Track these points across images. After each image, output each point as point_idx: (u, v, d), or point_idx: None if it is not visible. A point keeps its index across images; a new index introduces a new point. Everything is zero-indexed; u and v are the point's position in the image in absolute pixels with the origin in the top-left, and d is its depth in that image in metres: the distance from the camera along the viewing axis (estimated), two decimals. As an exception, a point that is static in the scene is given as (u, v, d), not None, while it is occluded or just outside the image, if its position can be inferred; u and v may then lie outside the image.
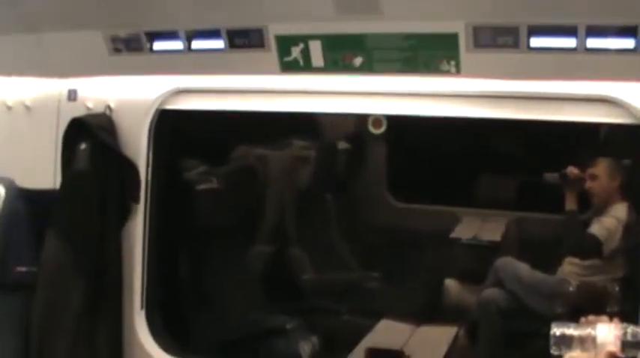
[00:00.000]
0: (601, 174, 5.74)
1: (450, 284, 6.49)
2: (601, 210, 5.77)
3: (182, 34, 3.67)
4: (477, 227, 6.93)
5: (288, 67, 3.56)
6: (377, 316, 5.64)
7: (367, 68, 3.46)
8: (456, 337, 5.71)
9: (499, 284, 5.87)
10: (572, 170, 5.86)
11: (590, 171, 5.78)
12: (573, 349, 2.18)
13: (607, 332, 2.17)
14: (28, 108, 4.33)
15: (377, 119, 5.97)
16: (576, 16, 3.06)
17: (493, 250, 6.44)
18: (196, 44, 3.70)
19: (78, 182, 4.09)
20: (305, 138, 6.58)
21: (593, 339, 2.17)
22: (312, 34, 3.46)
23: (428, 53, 3.35)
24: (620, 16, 3.01)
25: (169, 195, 4.30)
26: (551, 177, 5.92)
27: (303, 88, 3.74)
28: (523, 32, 3.16)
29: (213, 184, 5.02)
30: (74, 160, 4.09)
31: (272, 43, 3.52)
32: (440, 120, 3.73)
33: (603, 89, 3.32)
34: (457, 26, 3.22)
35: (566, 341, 2.19)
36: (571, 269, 5.82)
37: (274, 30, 3.48)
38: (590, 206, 5.92)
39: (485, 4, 3.14)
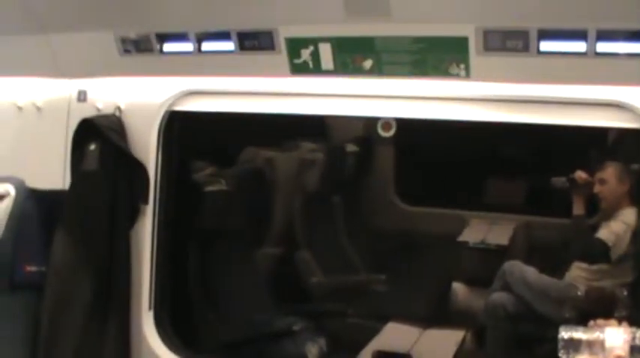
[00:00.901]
0: (610, 178, 5.72)
1: (458, 287, 6.49)
2: (609, 215, 5.76)
3: (192, 35, 3.68)
4: (484, 230, 6.91)
5: (298, 69, 3.57)
6: (384, 319, 5.63)
7: (377, 71, 3.47)
8: (464, 341, 5.70)
9: (507, 288, 5.86)
10: (580, 174, 5.85)
11: (599, 175, 5.77)
12: (581, 353, 2.18)
13: (616, 336, 2.17)
14: (38, 108, 4.34)
15: (386, 122, 5.97)
16: (586, 20, 3.06)
17: (501, 254, 6.42)
18: (206, 46, 3.70)
19: (87, 182, 4.11)
20: (313, 140, 6.58)
21: (602, 343, 2.16)
22: (322, 37, 3.46)
23: (438, 56, 3.35)
24: (631, 20, 3.01)
25: (178, 196, 4.31)
26: (559, 181, 5.91)
27: (313, 91, 3.74)
28: (533, 36, 3.16)
29: (222, 186, 5.03)
30: (84, 161, 4.10)
31: (282, 46, 3.52)
32: (449, 123, 3.72)
33: (613, 94, 3.32)
34: (467, 30, 3.22)
35: (575, 345, 2.19)
36: (579, 274, 5.81)
37: (284, 32, 3.49)
38: (599, 210, 5.91)
39: (496, 7, 3.14)
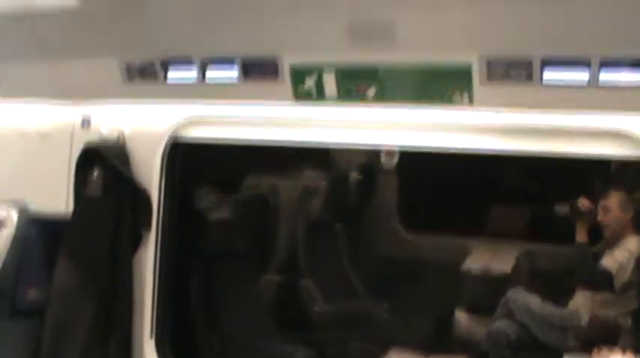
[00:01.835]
0: (613, 206, 5.70)
1: (461, 315, 6.45)
2: (613, 243, 5.74)
3: (196, 62, 3.70)
4: (487, 258, 6.88)
5: (302, 96, 3.58)
6: (386, 347, 5.59)
7: (380, 98, 3.48)
8: (466, 369, 5.67)
9: (510, 316, 5.83)
10: (584, 201, 5.83)
11: (603, 203, 5.75)
12: (586, 382, 2.17)
13: (620, 366, 2.15)
14: (42, 134, 4.36)
15: (389, 150, 5.98)
16: (589, 49, 3.07)
17: (504, 281, 6.39)
18: (210, 73, 3.72)
19: (90, 208, 4.12)
20: (317, 167, 6.58)
21: (607, 373, 2.15)
22: (326, 64, 3.48)
23: (441, 84, 3.36)
24: (633, 49, 3.01)
25: (181, 223, 4.30)
26: (562, 208, 5.89)
27: (317, 118, 3.75)
28: (536, 65, 3.16)
29: (225, 213, 5.02)
30: (87, 187, 4.12)
31: (286, 73, 3.54)
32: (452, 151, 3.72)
33: (616, 123, 3.32)
34: (471, 58, 3.23)
35: (579, 375, 2.18)
36: (583, 302, 5.77)
37: (288, 59, 3.51)
38: (602, 238, 5.89)
39: (499, 36, 3.14)
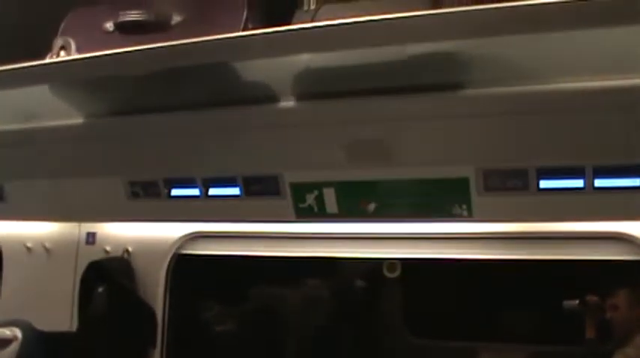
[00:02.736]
0: (621, 304, 5.66)
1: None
2: (623, 341, 5.66)
3: (199, 181, 3.76)
4: (495, 362, 6.77)
5: (303, 213, 3.62)
6: None
7: (381, 214, 3.51)
8: None
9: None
10: (592, 299, 5.79)
11: (610, 301, 5.70)
12: None
13: None
14: (47, 250, 4.40)
15: (391, 263, 5.99)
16: (583, 157, 3.12)
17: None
18: (213, 191, 3.77)
19: (95, 325, 4.10)
20: (321, 277, 6.57)
21: None
22: (326, 182, 3.53)
23: (439, 198, 3.39)
24: (626, 156, 3.06)
25: (186, 338, 4.29)
26: (570, 308, 5.84)
27: (318, 233, 3.78)
28: (532, 175, 3.21)
29: (230, 326, 5.00)
30: (91, 303, 4.11)
31: (287, 191, 3.59)
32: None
33: (614, 226, 3.34)
34: (467, 171, 3.28)
35: None
36: (595, 403, 5.66)
37: (289, 177, 3.57)
38: (613, 336, 5.82)
39: (494, 148, 3.21)
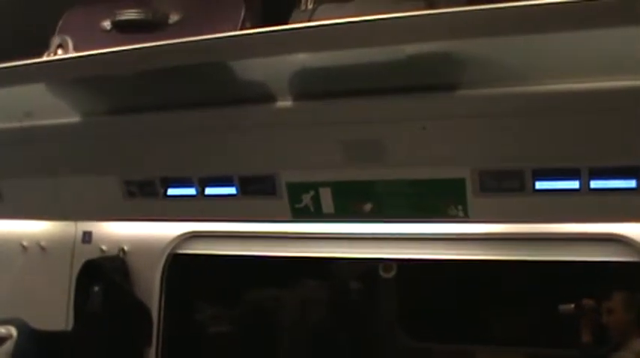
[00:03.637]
0: (617, 308, 5.65)
1: None
2: (620, 345, 5.66)
3: (195, 180, 3.77)
4: (491, 363, 6.77)
5: (300, 213, 3.62)
6: None
7: (376, 214, 3.51)
8: None
9: None
10: (587, 302, 5.79)
11: (606, 305, 5.70)
12: None
13: None
14: (42, 248, 4.40)
15: (387, 264, 5.99)
16: (578, 159, 3.13)
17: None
18: (209, 190, 3.78)
19: (90, 323, 4.10)
20: (317, 277, 6.56)
21: None
22: (322, 182, 3.53)
23: (436, 198, 3.40)
24: (621, 157, 3.07)
25: (181, 338, 4.29)
26: (566, 308, 5.84)
27: (314, 233, 3.79)
28: (528, 176, 3.22)
29: (225, 325, 4.99)
30: (87, 302, 4.12)
31: (283, 190, 3.59)
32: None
33: (609, 228, 3.35)
34: (463, 172, 3.29)
35: None
36: (590, 407, 5.66)
37: (286, 177, 3.57)
38: (609, 340, 5.81)
39: (490, 149, 3.22)
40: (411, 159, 3.32)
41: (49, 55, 3.33)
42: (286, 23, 3.00)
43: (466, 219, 3.39)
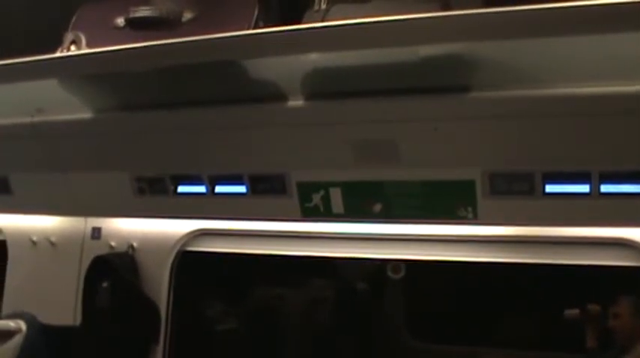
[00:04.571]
0: (623, 312, 5.64)
1: None
2: (626, 349, 5.64)
3: (205, 178, 3.77)
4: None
5: (309, 212, 3.62)
6: None
7: (386, 214, 3.51)
8: None
9: None
10: (593, 307, 5.77)
11: (613, 309, 5.69)
12: None
13: None
14: (52, 244, 4.41)
15: (396, 265, 5.99)
16: (589, 162, 3.12)
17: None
18: (219, 188, 3.78)
19: (99, 320, 4.11)
20: (324, 277, 6.57)
21: None
22: (332, 181, 3.53)
23: (445, 200, 3.40)
24: (632, 162, 3.06)
25: (189, 335, 4.29)
26: (572, 313, 5.83)
27: (324, 232, 3.79)
28: (538, 179, 3.21)
29: (233, 323, 5.00)
30: (96, 298, 4.12)
31: (293, 190, 3.59)
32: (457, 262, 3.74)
33: (619, 232, 3.34)
34: (474, 174, 3.28)
35: None
36: (596, 411, 5.64)
37: (296, 177, 3.57)
38: (615, 344, 5.80)
39: (501, 152, 3.21)
40: (421, 160, 3.32)
41: (61, 51, 3.36)
42: (299, 23, 3.01)
43: (475, 220, 3.38)
